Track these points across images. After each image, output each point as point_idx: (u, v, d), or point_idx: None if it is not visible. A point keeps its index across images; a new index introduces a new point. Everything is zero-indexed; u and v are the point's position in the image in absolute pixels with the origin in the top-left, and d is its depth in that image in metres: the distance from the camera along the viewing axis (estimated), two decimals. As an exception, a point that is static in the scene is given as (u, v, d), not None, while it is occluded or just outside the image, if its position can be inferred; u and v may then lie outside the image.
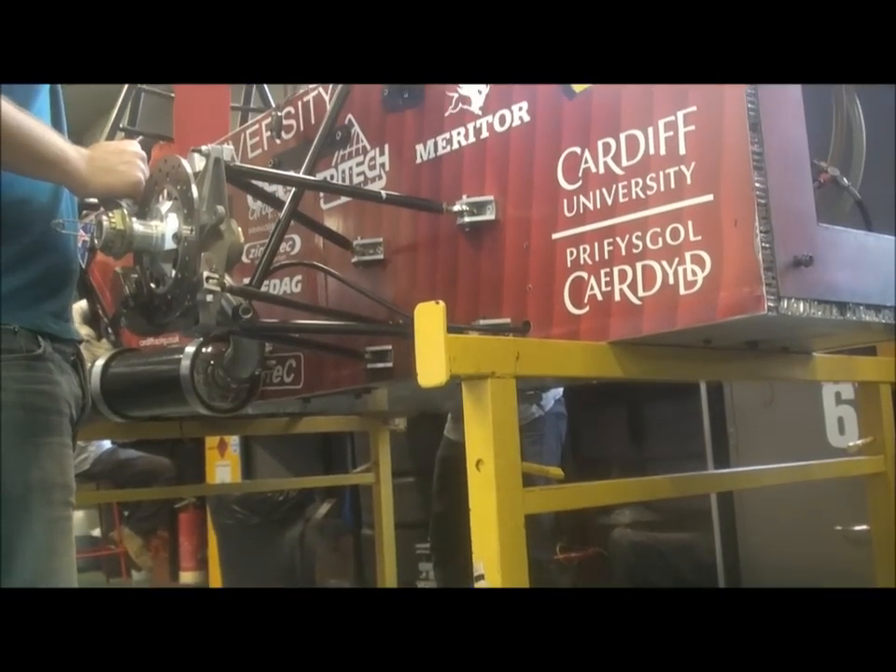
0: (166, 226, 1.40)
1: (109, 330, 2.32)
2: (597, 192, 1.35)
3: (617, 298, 1.32)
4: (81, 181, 1.40)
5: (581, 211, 1.37)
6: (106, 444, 4.69)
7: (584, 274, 1.36)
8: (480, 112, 1.52)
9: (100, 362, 2.05)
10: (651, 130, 1.28)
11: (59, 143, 1.36)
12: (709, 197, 1.22)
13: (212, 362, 1.79)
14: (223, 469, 5.58)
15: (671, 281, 1.25)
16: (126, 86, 2.70)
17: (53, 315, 1.46)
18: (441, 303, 1.16)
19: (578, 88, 1.39)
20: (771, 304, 1.17)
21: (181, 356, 1.80)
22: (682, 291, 1.24)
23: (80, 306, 2.34)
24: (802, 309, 1.21)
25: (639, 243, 1.29)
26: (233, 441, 5.41)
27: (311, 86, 1.85)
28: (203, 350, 1.79)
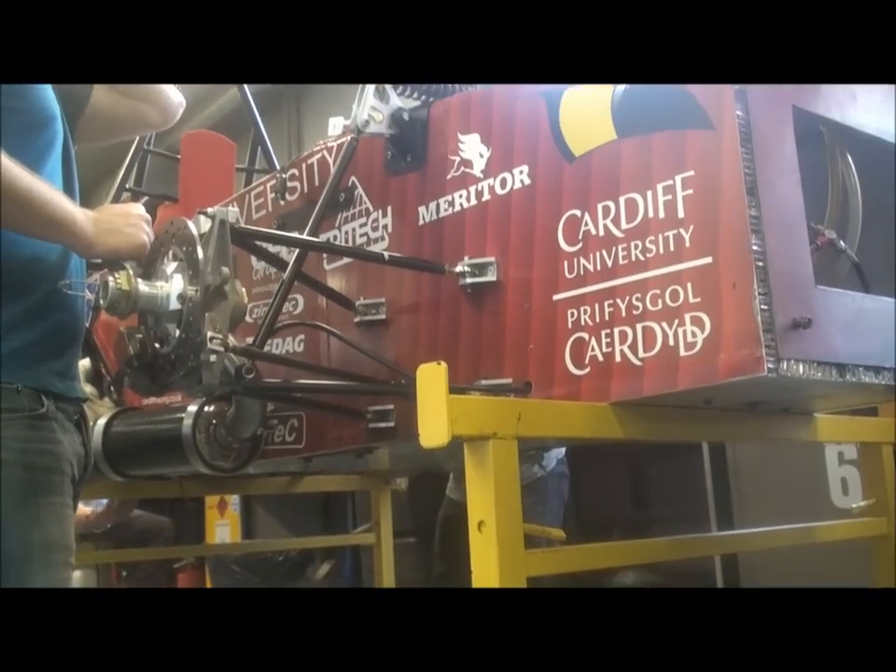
0: (171, 286, 1.41)
1: (111, 389, 2.32)
2: (597, 254, 1.36)
3: (618, 359, 1.33)
4: (87, 242, 1.42)
5: (582, 272, 1.38)
6: (104, 502, 4.66)
7: (585, 335, 1.37)
8: (481, 175, 1.54)
9: (102, 421, 2.06)
10: (649, 193, 1.30)
11: (66, 205, 1.39)
12: (708, 259, 1.23)
13: (214, 421, 1.80)
14: (223, 528, 5.54)
15: (671, 342, 1.26)
16: (133, 147, 2.74)
17: (58, 374, 1.47)
18: (443, 364, 1.17)
19: (577, 151, 1.41)
20: (771, 366, 1.17)
21: (183, 415, 1.80)
22: (682, 353, 1.25)
23: (83, 364, 2.34)
24: (801, 371, 1.22)
25: (639, 304, 1.30)
26: (233, 500, 5.38)
27: (315, 148, 1.88)
28: (206, 409, 1.79)
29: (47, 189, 1.36)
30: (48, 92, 1.51)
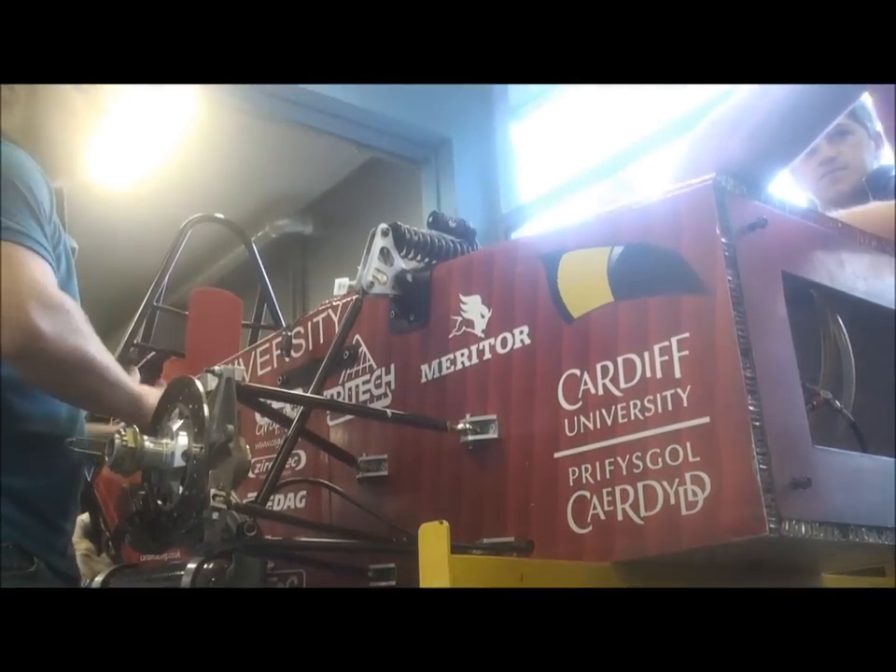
0: (176, 444, 1.43)
1: (110, 545, 2.30)
2: (597, 413, 1.39)
3: (619, 517, 1.33)
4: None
5: (582, 431, 1.40)
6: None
7: (587, 493, 1.37)
8: (482, 335, 1.58)
9: (99, 578, 2.03)
10: (647, 354, 1.34)
11: (131, 384, 1.48)
12: (706, 419, 1.25)
13: (213, 579, 1.77)
14: None
15: (672, 501, 1.27)
16: (143, 303, 2.81)
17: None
18: (445, 523, 1.18)
19: (576, 313, 1.46)
20: (773, 526, 1.18)
21: (182, 572, 1.78)
22: (684, 512, 1.25)
23: (82, 519, 2.33)
24: (804, 531, 1.22)
25: (640, 463, 1.32)
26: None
27: (321, 307, 1.93)
28: (205, 566, 1.78)
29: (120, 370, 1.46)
30: None
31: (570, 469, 1.40)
